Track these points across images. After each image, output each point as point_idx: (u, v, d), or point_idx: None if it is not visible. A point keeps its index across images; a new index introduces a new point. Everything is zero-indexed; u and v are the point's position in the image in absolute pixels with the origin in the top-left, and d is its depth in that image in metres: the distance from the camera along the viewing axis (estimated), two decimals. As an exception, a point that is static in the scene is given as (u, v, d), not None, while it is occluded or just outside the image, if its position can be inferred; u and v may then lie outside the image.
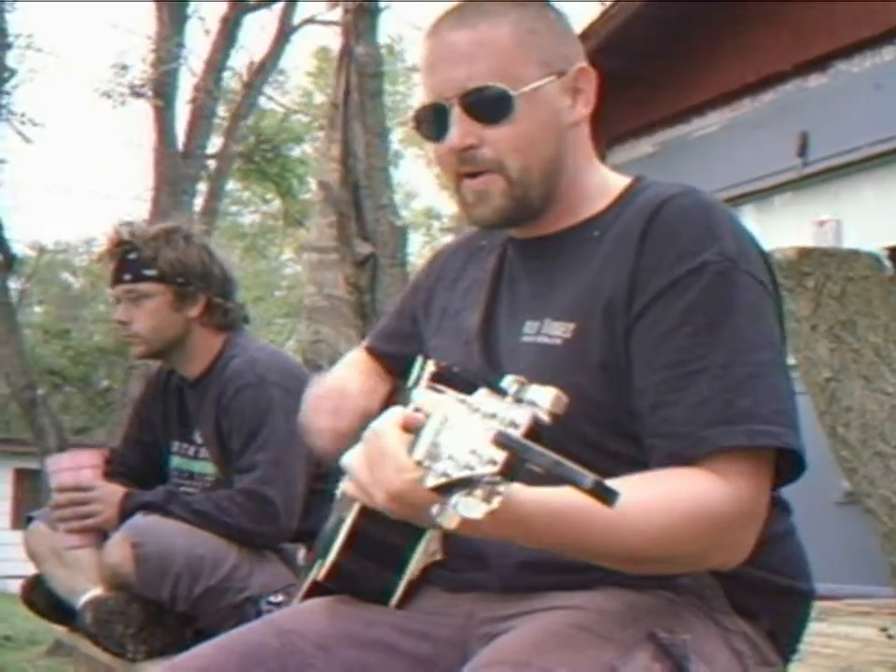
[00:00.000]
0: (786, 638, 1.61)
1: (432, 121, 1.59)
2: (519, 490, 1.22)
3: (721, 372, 1.42)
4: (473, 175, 1.58)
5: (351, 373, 1.91)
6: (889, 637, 3.42)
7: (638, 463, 1.42)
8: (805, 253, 3.35)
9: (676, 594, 1.50)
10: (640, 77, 6.57)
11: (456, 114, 1.55)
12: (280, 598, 2.87)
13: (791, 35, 6.26)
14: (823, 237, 5.03)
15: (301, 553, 3.04)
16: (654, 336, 1.47)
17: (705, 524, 1.38)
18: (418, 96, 1.69)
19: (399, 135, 25.82)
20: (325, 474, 2.72)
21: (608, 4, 7.74)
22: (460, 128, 1.55)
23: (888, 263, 3.39)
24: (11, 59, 14.44)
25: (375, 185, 6.43)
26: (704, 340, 1.44)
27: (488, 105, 1.54)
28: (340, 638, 1.60)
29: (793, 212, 6.10)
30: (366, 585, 1.66)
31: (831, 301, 3.35)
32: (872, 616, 3.75)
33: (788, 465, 1.45)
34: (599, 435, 1.48)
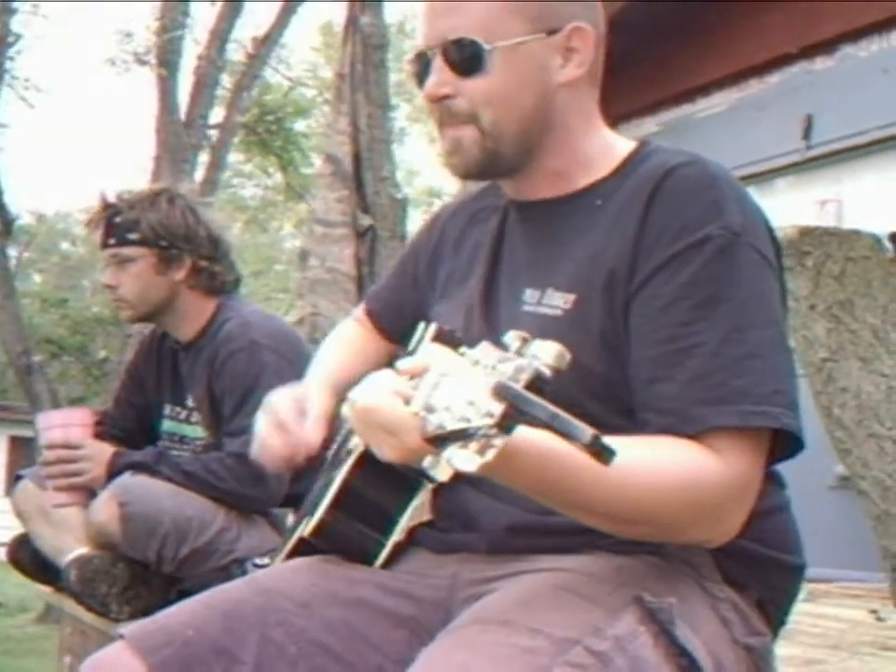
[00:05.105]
0: (775, 610, 1.59)
1: (419, 69, 1.60)
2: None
3: (717, 349, 1.39)
4: (453, 127, 1.58)
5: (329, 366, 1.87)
6: (879, 619, 3.41)
7: None
8: (805, 232, 3.32)
9: (664, 560, 1.48)
10: (646, 55, 6.52)
11: (437, 64, 1.56)
12: (266, 561, 2.84)
13: (799, 17, 6.20)
14: (825, 217, 5.01)
15: (290, 518, 3.03)
16: (653, 309, 1.44)
17: (692, 492, 1.36)
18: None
19: (405, 112, 25.76)
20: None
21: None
22: (437, 77, 1.56)
23: (888, 245, 3.37)
24: (16, 24, 14.43)
25: (376, 157, 6.39)
26: (703, 315, 1.41)
27: (463, 57, 1.54)
28: (322, 597, 1.59)
29: (796, 194, 6.06)
30: (352, 545, 1.65)
31: (830, 281, 3.32)
32: (862, 598, 3.74)
33: (785, 443, 1.42)
34: (597, 408, 1.44)
